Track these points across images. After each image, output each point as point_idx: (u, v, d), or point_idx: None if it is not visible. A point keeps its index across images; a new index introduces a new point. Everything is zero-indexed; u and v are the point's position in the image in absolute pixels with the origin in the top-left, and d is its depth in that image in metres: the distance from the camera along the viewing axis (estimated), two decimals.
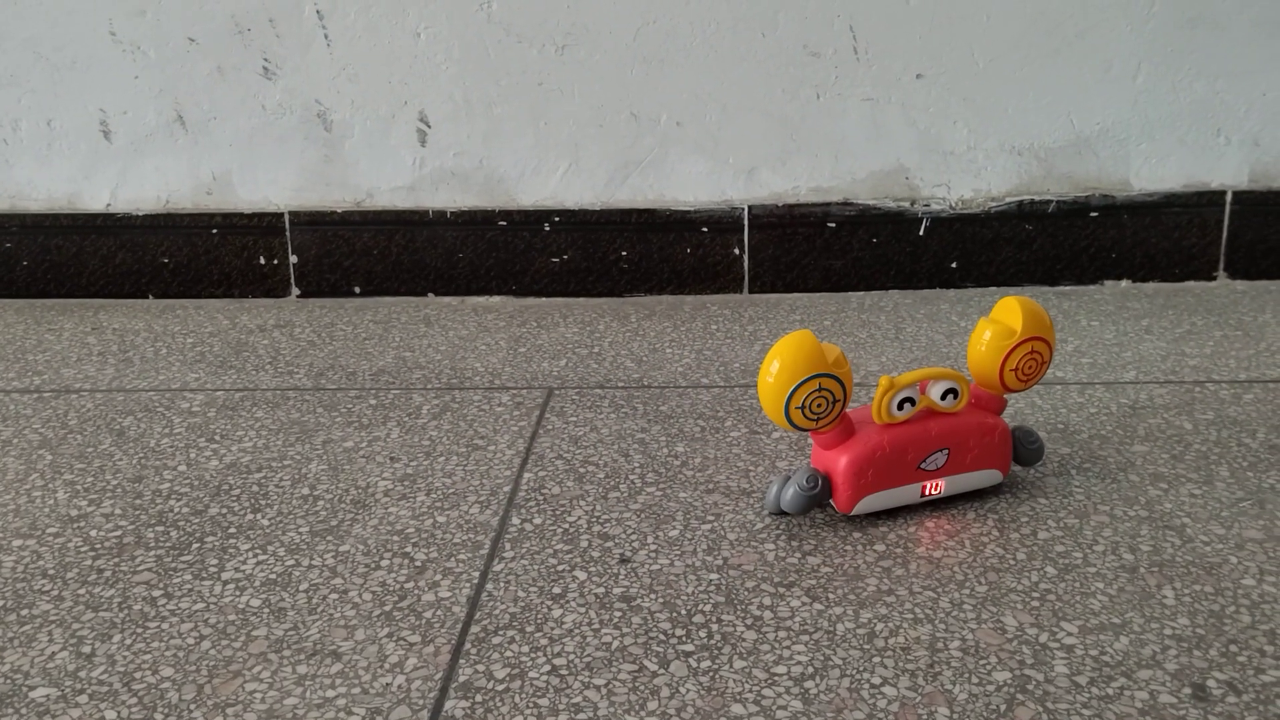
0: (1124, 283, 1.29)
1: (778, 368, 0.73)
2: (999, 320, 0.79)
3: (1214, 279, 1.29)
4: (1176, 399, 0.97)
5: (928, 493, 0.79)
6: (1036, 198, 1.27)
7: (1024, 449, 0.81)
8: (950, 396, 0.78)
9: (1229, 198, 1.26)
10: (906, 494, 0.78)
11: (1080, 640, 0.65)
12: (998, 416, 0.80)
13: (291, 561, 0.76)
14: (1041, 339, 0.79)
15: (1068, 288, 1.29)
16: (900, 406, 0.76)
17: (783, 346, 0.73)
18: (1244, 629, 0.65)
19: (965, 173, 1.28)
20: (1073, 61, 1.23)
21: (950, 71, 1.24)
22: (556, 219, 1.31)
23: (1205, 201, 1.26)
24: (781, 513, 0.79)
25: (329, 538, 0.79)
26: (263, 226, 1.33)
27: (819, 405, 0.74)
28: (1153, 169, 1.26)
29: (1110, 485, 0.82)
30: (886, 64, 1.24)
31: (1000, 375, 0.79)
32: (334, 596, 0.72)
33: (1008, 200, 1.28)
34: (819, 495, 0.76)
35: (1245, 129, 1.25)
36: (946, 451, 0.78)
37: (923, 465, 0.77)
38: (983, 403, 0.80)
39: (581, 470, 0.88)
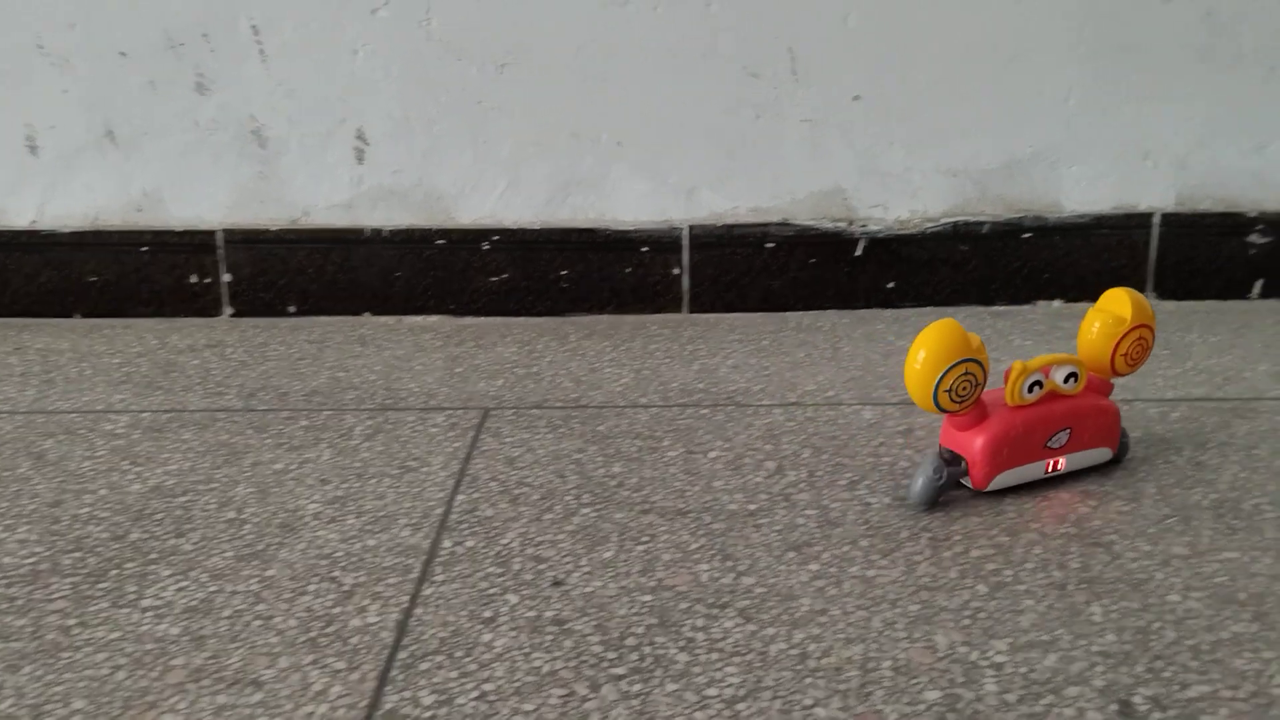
0: (1056, 303, 1.31)
1: (924, 355, 0.78)
2: (1107, 310, 0.86)
3: None
4: None
5: (1050, 469, 0.85)
6: (971, 219, 1.29)
7: (1123, 441, 0.89)
8: (1072, 380, 0.84)
9: (1157, 219, 1.29)
10: (1034, 470, 0.84)
11: (1010, 658, 0.65)
12: (1108, 399, 0.87)
13: (214, 587, 0.74)
14: (1148, 326, 0.86)
15: (1002, 308, 1.31)
16: (1030, 389, 0.82)
17: (929, 335, 0.79)
18: (1169, 645, 0.66)
19: (902, 194, 1.29)
20: (1006, 85, 1.25)
21: (887, 94, 1.26)
22: (495, 238, 1.30)
23: (1134, 223, 1.29)
24: (918, 500, 0.82)
25: (254, 562, 0.77)
26: (195, 244, 1.30)
27: (964, 389, 0.80)
28: (1083, 191, 1.29)
29: (1041, 503, 0.83)
30: (825, 86, 1.25)
31: (1111, 361, 0.86)
32: (257, 623, 0.70)
33: (943, 221, 1.29)
34: (948, 480, 0.82)
35: (1172, 152, 1.28)
36: (1069, 431, 0.84)
37: (1049, 444, 0.84)
38: (1094, 386, 0.86)
39: (516, 492, 0.87)
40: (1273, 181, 1.28)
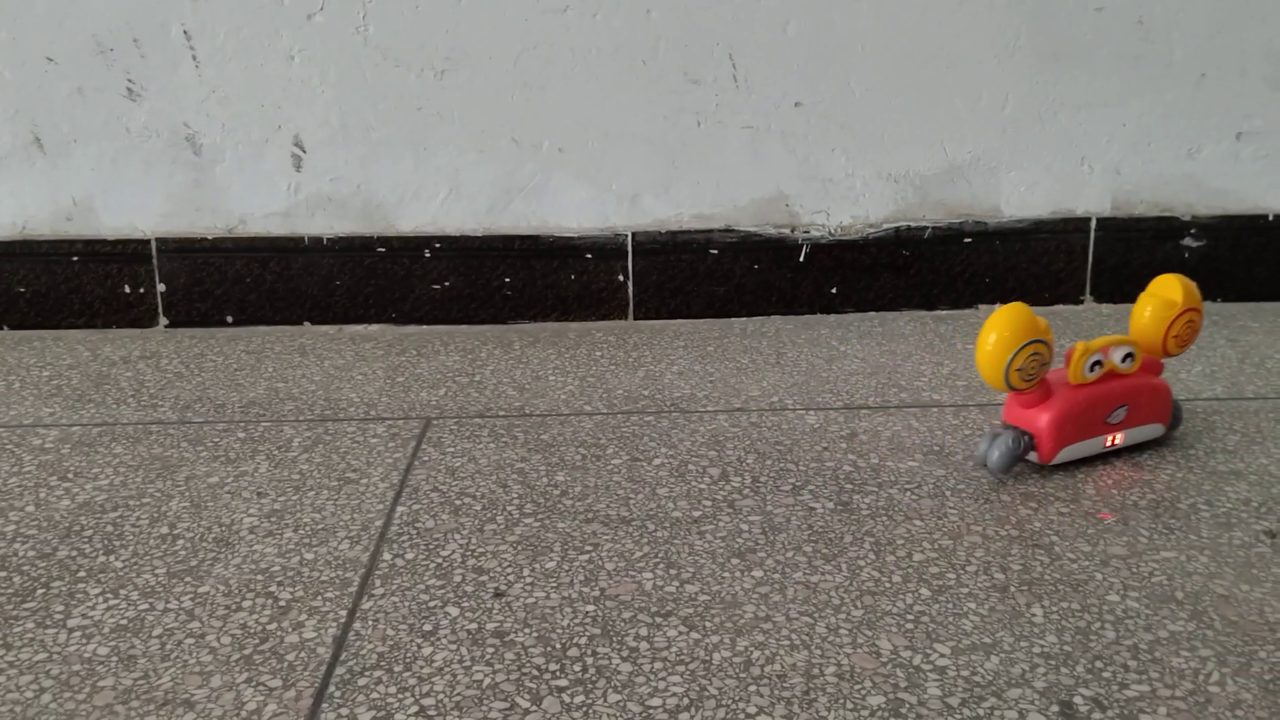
0: (998, 306, 1.32)
1: (995, 338, 0.83)
2: (1158, 294, 0.92)
3: (1081, 303, 1.33)
4: None
5: (1109, 444, 0.90)
6: (913, 224, 1.30)
7: (1175, 416, 0.93)
8: (1129, 359, 0.89)
9: (1093, 224, 1.31)
10: (1094, 445, 0.89)
11: (953, 661, 0.65)
12: (1160, 378, 0.92)
13: (145, 605, 0.72)
14: (1196, 309, 0.91)
15: (944, 312, 1.32)
16: (1091, 369, 0.87)
17: (999, 318, 0.83)
18: (1108, 645, 0.66)
19: (844, 200, 1.29)
20: (945, 92, 1.27)
21: (828, 100, 1.26)
22: (437, 245, 1.28)
23: (1071, 228, 1.31)
24: (988, 466, 0.87)
25: (187, 579, 0.75)
26: (128, 254, 1.27)
27: (1033, 367, 0.84)
28: (1022, 196, 1.30)
29: (983, 506, 0.84)
30: (766, 92, 1.26)
31: (1164, 342, 0.91)
32: (190, 641, 0.68)
33: (885, 227, 1.30)
34: (1023, 451, 0.87)
35: (1107, 158, 1.30)
36: (1126, 407, 0.89)
37: (1108, 420, 0.89)
38: (1146, 366, 0.92)
39: (457, 502, 0.86)
40: (1205, 186, 1.31)
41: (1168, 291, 0.92)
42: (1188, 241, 1.31)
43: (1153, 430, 0.92)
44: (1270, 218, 1.31)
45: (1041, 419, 0.87)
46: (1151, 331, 0.91)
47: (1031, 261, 1.31)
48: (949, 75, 1.26)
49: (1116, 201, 1.31)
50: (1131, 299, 1.32)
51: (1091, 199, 1.31)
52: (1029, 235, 1.31)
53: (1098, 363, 0.88)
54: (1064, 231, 1.31)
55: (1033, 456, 0.88)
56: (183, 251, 1.28)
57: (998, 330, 0.83)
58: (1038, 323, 0.84)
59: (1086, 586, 0.73)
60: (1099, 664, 0.65)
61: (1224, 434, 0.95)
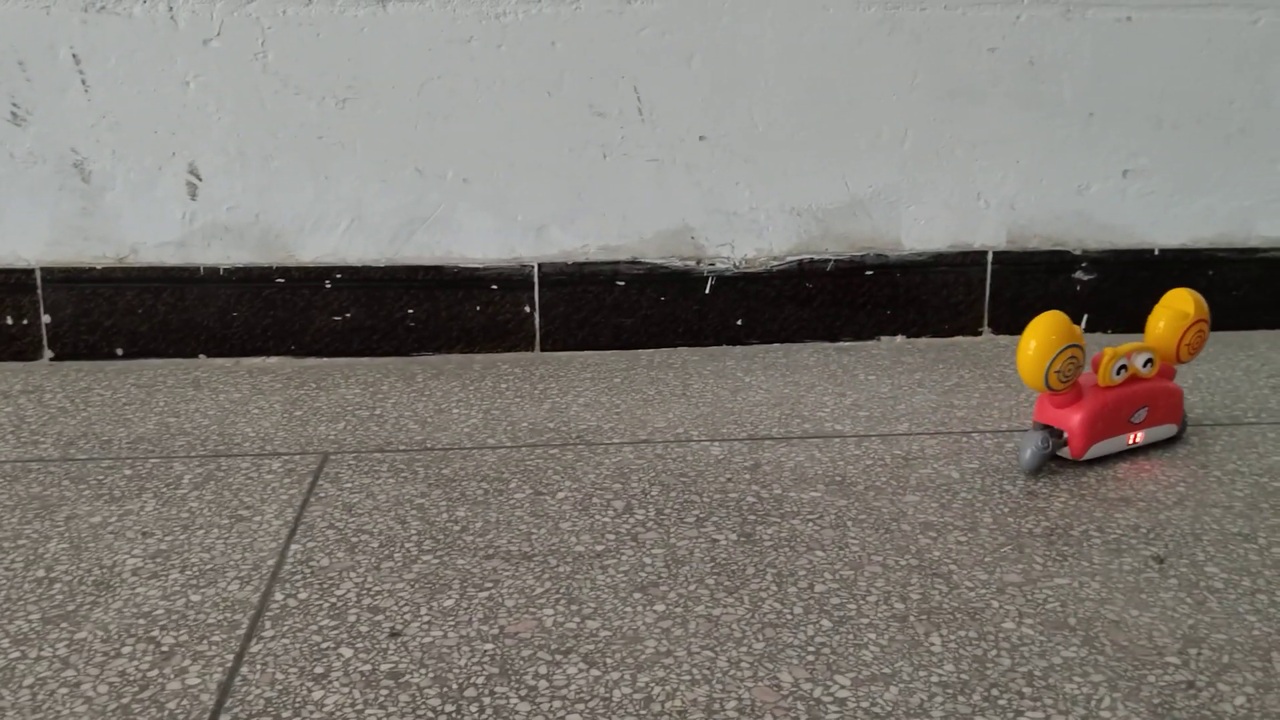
0: (899, 338, 1.35)
1: (1036, 344, 0.90)
2: (1172, 306, 0.99)
3: (980, 334, 1.36)
4: (945, 449, 1.01)
5: (1131, 442, 0.98)
6: (816, 257, 1.32)
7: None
8: (1149, 364, 0.97)
9: (990, 257, 1.34)
10: (1119, 443, 0.97)
11: (853, 693, 0.65)
12: (1174, 382, 1.00)
13: (16, 654, 0.68)
14: (1205, 320, 1.00)
15: (847, 343, 1.34)
16: (1118, 372, 0.95)
17: (1039, 325, 0.91)
18: (1004, 672, 0.67)
19: (748, 232, 1.31)
20: (845, 128, 1.29)
21: (732, 134, 1.28)
22: (338, 276, 1.26)
23: (969, 261, 1.34)
24: (1020, 465, 0.95)
25: (63, 624, 0.71)
26: (10, 284, 1.22)
27: (1069, 370, 0.92)
28: (922, 230, 1.33)
29: (884, 535, 0.84)
30: (670, 125, 1.27)
31: (1177, 350, 0.99)
32: (63, 691, 0.65)
33: (789, 259, 1.31)
34: (1053, 450, 0.94)
35: (1002, 193, 1.33)
36: (1146, 409, 0.97)
37: (1132, 419, 0.97)
38: (1162, 372, 0.99)
39: (354, 540, 0.83)
40: (1095, 221, 1.35)
41: (1180, 304, 1.00)
42: (1079, 275, 1.35)
43: (1167, 430, 1.00)
44: (1156, 252, 1.36)
45: (1074, 418, 0.94)
46: (1166, 340, 0.99)
47: (932, 294, 1.34)
48: (850, 111, 1.29)
49: (1011, 235, 1.34)
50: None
51: (988, 233, 1.34)
52: (929, 268, 1.33)
53: (1123, 367, 0.96)
54: (962, 265, 1.34)
55: (1064, 453, 0.95)
56: (70, 281, 1.23)
57: (1038, 336, 0.91)
58: (1074, 329, 0.91)
59: (983, 614, 0.73)
60: (995, 691, 0.65)
61: (1114, 462, 0.98)
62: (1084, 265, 1.35)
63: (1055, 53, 1.29)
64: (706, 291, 1.31)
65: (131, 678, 0.66)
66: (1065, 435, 0.95)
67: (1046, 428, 0.95)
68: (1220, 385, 1.18)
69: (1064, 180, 1.33)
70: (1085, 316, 1.36)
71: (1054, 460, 0.97)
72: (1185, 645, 0.70)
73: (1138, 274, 1.36)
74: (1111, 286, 1.36)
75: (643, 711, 0.63)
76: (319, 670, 0.67)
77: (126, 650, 0.69)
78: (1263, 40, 1.31)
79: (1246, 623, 0.72)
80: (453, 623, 0.72)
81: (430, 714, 0.63)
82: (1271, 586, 0.77)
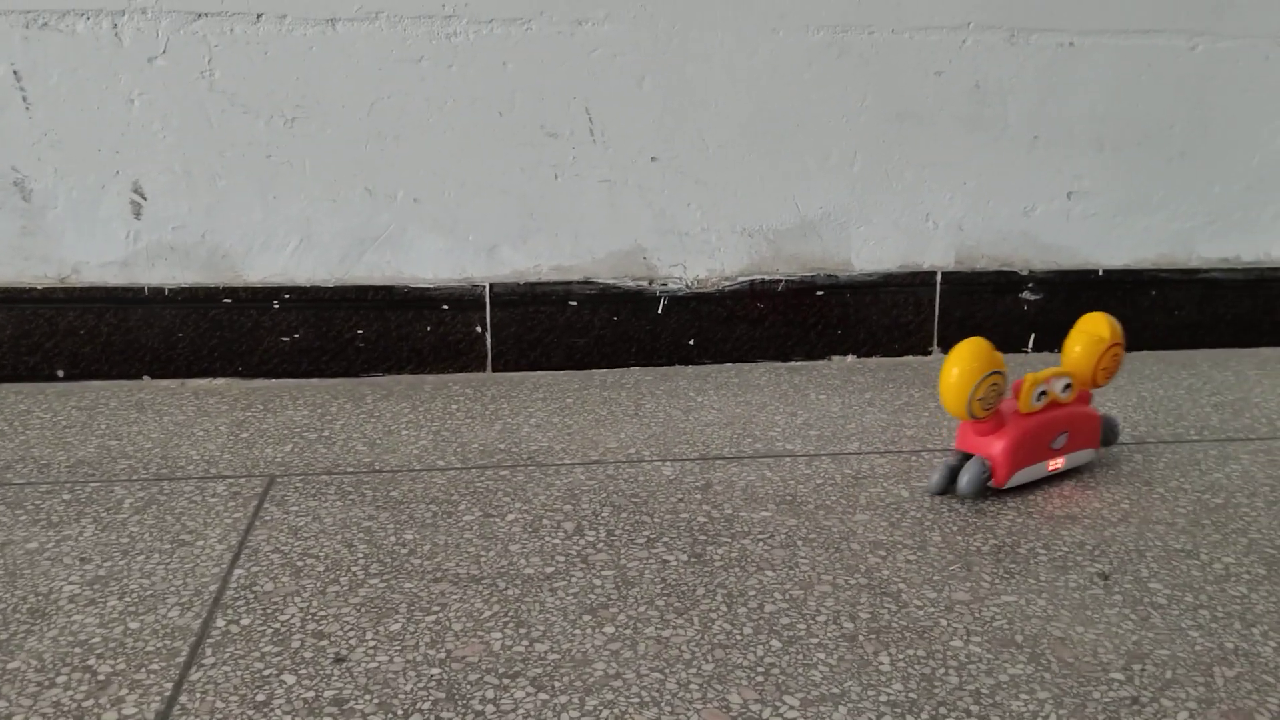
0: (849, 358, 1.36)
1: (959, 371, 0.89)
2: (1087, 330, 0.98)
3: (929, 353, 1.37)
4: (895, 468, 1.01)
5: (1051, 468, 0.97)
6: (767, 277, 1.32)
7: (1110, 433, 1.01)
8: (1067, 389, 0.96)
9: (939, 278, 1.35)
10: (1039, 470, 0.96)
11: (801, 713, 0.65)
12: (1090, 406, 0.99)
13: None
14: (1120, 344, 0.98)
15: (798, 363, 1.34)
16: (1038, 398, 0.94)
17: (961, 352, 0.89)
18: (952, 690, 0.67)
19: (700, 253, 1.31)
20: (795, 149, 1.30)
21: (683, 156, 1.28)
22: (287, 296, 1.24)
23: (919, 281, 1.35)
24: (945, 493, 0.94)
25: None
26: None
27: (991, 397, 0.90)
28: (871, 250, 1.34)
29: (834, 555, 0.84)
30: (622, 146, 1.27)
31: (1093, 374, 0.98)
32: None
33: (740, 280, 1.32)
34: (989, 477, 0.93)
35: (950, 215, 1.35)
36: (1066, 434, 0.96)
37: (1052, 445, 0.96)
38: (1079, 397, 0.99)
39: (299, 564, 0.82)
40: (1040, 242, 1.37)
41: (1096, 328, 0.98)
42: (1026, 295, 1.37)
43: (1086, 455, 0.99)
44: (1099, 272, 1.38)
45: (996, 446, 0.93)
46: (1083, 365, 0.98)
47: (882, 314, 1.35)
48: (799, 133, 1.30)
49: (960, 256, 1.36)
50: None
51: (937, 253, 1.36)
52: (879, 288, 1.34)
53: (1043, 393, 0.94)
54: (912, 285, 1.35)
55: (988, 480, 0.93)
56: (9, 302, 1.20)
57: (960, 363, 0.89)
58: (995, 355, 0.90)
59: (932, 633, 0.74)
60: (943, 710, 0.65)
61: (1060, 480, 0.99)
62: (1030, 285, 1.37)
63: (1000, 77, 1.31)
64: (659, 311, 1.31)
65: (66, 708, 0.64)
66: (988, 463, 0.93)
67: (969, 456, 0.94)
68: (1163, 403, 1.20)
69: (1010, 202, 1.35)
70: (1033, 336, 1.38)
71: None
72: (1130, 661, 0.71)
73: (1083, 294, 1.38)
74: (1058, 306, 1.38)
75: None
76: (260, 698, 0.65)
77: (61, 680, 0.67)
78: (1200, 66, 1.34)
79: (1189, 638, 0.73)
80: (399, 647, 0.71)
81: None
82: (1214, 602, 0.78)
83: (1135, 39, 1.32)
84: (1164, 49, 1.33)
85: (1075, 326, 1.00)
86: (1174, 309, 1.40)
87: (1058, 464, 0.97)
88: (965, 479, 0.92)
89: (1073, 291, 1.38)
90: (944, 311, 1.36)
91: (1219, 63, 1.35)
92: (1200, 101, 1.36)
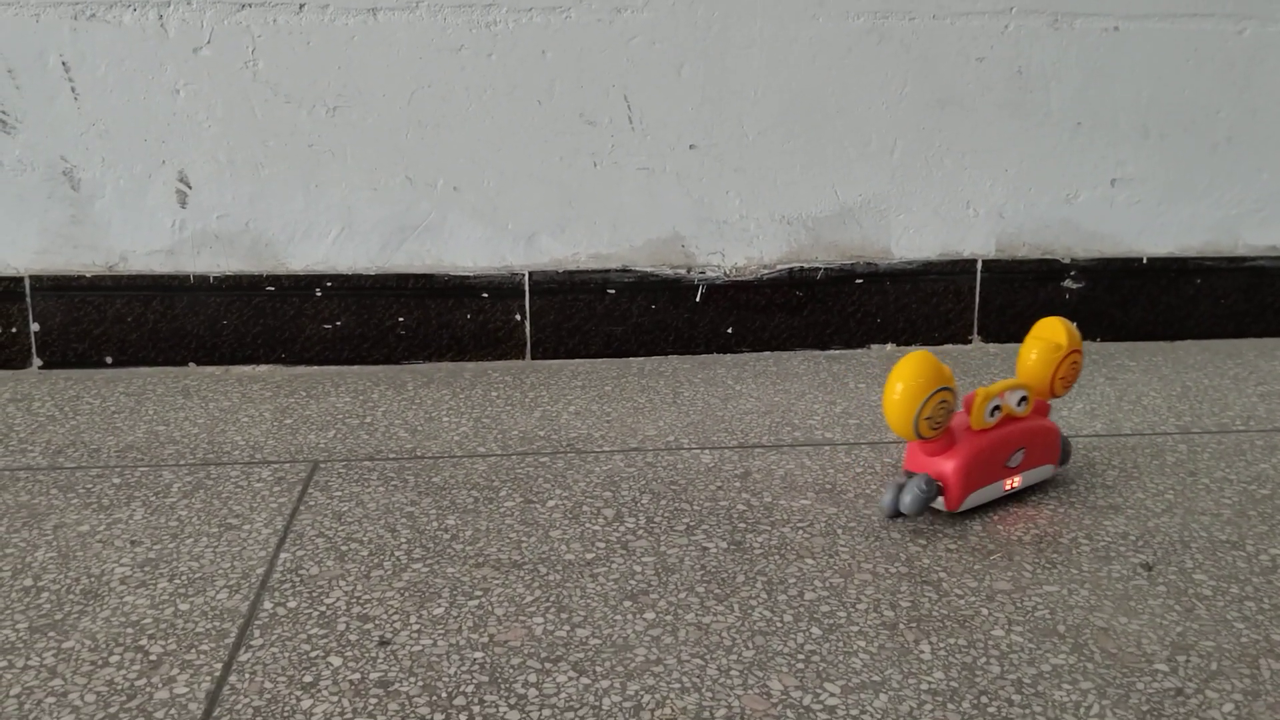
0: (889, 346, 1.35)
1: (903, 387, 0.81)
2: (1043, 337, 0.92)
3: (969, 342, 1.36)
4: None
5: (1008, 487, 0.90)
6: (806, 265, 1.32)
7: (1063, 451, 0.94)
8: (1023, 403, 0.90)
9: (979, 266, 1.34)
10: (995, 490, 0.89)
11: (842, 700, 0.65)
12: (1049, 419, 0.93)
13: (3, 664, 0.68)
14: (1079, 351, 0.92)
15: (837, 351, 1.34)
16: (991, 414, 0.87)
17: (905, 367, 0.82)
18: (994, 679, 0.67)
19: (738, 241, 1.31)
20: (834, 136, 1.29)
21: (721, 143, 1.28)
22: (329, 284, 1.26)
23: (959, 269, 1.34)
24: (899, 515, 0.87)
25: (51, 634, 0.71)
26: None
27: (941, 415, 0.83)
28: (911, 238, 1.33)
29: (874, 543, 0.84)
30: (661, 134, 1.27)
31: (1051, 384, 0.91)
32: (50, 700, 0.64)
33: (779, 268, 1.32)
34: (934, 496, 0.86)
35: (991, 202, 1.34)
36: (1023, 450, 0.90)
37: (1008, 463, 0.89)
38: (1036, 408, 0.92)
39: (344, 548, 0.83)
40: (1083, 229, 1.36)
41: (1052, 334, 0.92)
42: (1068, 283, 1.36)
43: (1045, 471, 0.93)
44: (1144, 260, 1.37)
45: (948, 466, 0.86)
46: (1040, 374, 0.91)
47: (921, 302, 1.34)
48: (839, 120, 1.29)
49: (1000, 244, 1.35)
50: (1017, 339, 1.37)
51: (977, 241, 1.35)
52: (919, 276, 1.34)
53: (997, 408, 0.88)
54: (952, 273, 1.34)
55: (937, 504, 0.87)
56: (59, 290, 1.23)
57: (905, 380, 0.81)
58: (943, 370, 0.83)
59: (973, 622, 0.74)
60: (984, 699, 0.65)
61: (1103, 470, 0.98)
62: (1073, 274, 1.36)
63: (1043, 62, 1.30)
64: (697, 300, 1.31)
65: (119, 687, 0.66)
66: (940, 485, 0.86)
67: (920, 477, 0.86)
68: (1208, 393, 1.19)
69: (1052, 189, 1.34)
70: (1075, 325, 1.37)
71: (931, 512, 0.89)
72: (1174, 652, 0.70)
73: (1126, 283, 1.37)
74: (1100, 295, 1.37)
75: (632, 719, 0.63)
76: (308, 679, 0.67)
77: (114, 659, 0.68)
78: (1248, 50, 1.32)
79: (1235, 630, 0.73)
80: (442, 631, 0.72)
81: None
82: (1259, 594, 0.77)
83: (1181, 23, 1.30)
84: (1211, 33, 1.31)
85: (1030, 333, 0.93)
86: (1220, 297, 1.38)
87: (1014, 483, 0.90)
88: (908, 498, 0.85)
89: (1115, 280, 1.36)
90: (984, 300, 1.35)
91: (1268, 46, 1.32)
92: (1248, 86, 1.34)
